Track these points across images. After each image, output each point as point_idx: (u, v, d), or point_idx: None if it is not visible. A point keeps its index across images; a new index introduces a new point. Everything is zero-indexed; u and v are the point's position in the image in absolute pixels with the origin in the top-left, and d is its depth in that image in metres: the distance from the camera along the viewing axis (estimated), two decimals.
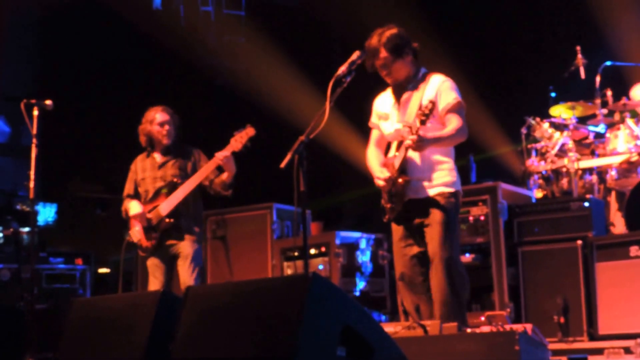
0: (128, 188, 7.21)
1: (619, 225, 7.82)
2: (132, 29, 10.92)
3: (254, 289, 4.27)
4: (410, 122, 5.40)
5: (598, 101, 8.52)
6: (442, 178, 5.61)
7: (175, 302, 4.56)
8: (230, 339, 4.07)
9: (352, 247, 8.31)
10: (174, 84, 11.64)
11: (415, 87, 5.68)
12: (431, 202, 5.58)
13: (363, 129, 10.39)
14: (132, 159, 7.31)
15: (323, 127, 5.20)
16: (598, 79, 8.51)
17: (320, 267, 8.19)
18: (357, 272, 8.29)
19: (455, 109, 5.56)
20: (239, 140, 6.74)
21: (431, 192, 5.59)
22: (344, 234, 8.35)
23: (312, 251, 8.30)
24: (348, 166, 10.62)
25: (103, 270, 10.84)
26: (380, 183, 5.66)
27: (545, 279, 7.31)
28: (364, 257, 8.33)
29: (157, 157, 7.14)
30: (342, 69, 5.38)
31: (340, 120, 10.09)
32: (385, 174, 5.61)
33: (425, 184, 5.59)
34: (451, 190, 5.62)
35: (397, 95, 5.77)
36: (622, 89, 8.66)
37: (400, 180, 5.54)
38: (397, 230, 5.76)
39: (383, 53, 5.62)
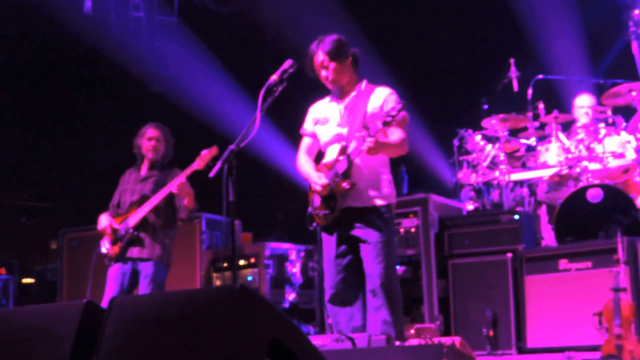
0: (113, 198, 7.36)
1: (549, 238, 7.86)
2: (61, 33, 10.71)
3: (181, 301, 4.15)
4: (370, 125, 5.33)
5: (530, 114, 8.56)
6: (382, 189, 5.55)
7: (101, 313, 4.42)
8: (156, 351, 3.95)
9: (281, 259, 8.24)
10: (105, 90, 11.46)
11: (358, 94, 5.62)
12: (370, 213, 5.50)
13: (296, 139, 10.36)
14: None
15: (256, 136, 5.12)
16: (530, 91, 8.55)
17: (250, 278, 8.10)
18: (287, 284, 8.23)
19: (400, 123, 5.51)
20: (203, 158, 6.78)
21: (371, 202, 5.52)
22: (273, 245, 8.28)
23: (242, 262, 8.22)
24: (281, 176, 10.54)
25: (27, 280, 10.59)
26: (318, 188, 5.56)
27: (475, 291, 7.33)
28: (293, 269, 8.26)
29: (143, 171, 7.28)
30: (274, 77, 5.30)
31: (272, 129, 10.02)
32: (324, 179, 5.52)
33: (366, 192, 5.51)
34: (389, 202, 5.57)
35: (338, 99, 5.70)
36: (554, 102, 8.73)
37: (345, 184, 5.44)
38: (328, 239, 5.66)
39: (321, 56, 5.58)
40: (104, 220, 7.17)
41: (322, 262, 5.86)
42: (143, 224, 6.98)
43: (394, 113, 5.21)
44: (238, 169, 5.03)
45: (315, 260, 8.39)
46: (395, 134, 5.47)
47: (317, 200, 5.62)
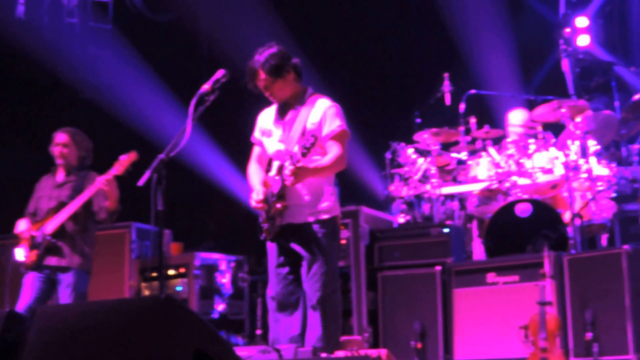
0: (29, 205, 7.22)
1: (478, 251, 7.93)
2: None
3: (106, 310, 4.09)
4: (293, 151, 5.32)
5: (462, 128, 8.64)
6: (321, 203, 5.53)
7: (24, 322, 4.34)
8: None
9: (211, 269, 8.20)
10: (36, 96, 11.28)
11: (300, 108, 5.59)
12: (309, 230, 5.49)
13: (228, 149, 10.30)
14: None
15: (189, 145, 5.08)
16: (462, 106, 8.63)
17: (179, 288, 8.05)
18: (216, 294, 8.18)
19: (337, 137, 5.50)
20: (122, 164, 6.71)
21: (309, 218, 5.50)
22: (203, 255, 8.23)
23: (171, 272, 8.15)
24: (213, 186, 10.49)
25: None
26: (253, 204, 5.55)
27: (404, 304, 7.36)
28: (223, 279, 8.21)
29: (60, 177, 7.16)
30: (206, 87, 5.27)
31: (205, 139, 9.96)
32: (260, 196, 5.50)
33: (303, 209, 5.50)
34: (330, 215, 5.55)
35: (282, 113, 5.66)
36: (485, 117, 8.82)
37: (278, 205, 5.44)
38: (271, 248, 5.65)
39: (262, 75, 5.51)
40: (22, 225, 7.02)
41: (252, 273, 5.85)
42: (60, 232, 6.85)
43: (308, 145, 5.21)
44: (170, 179, 4.99)
45: (246, 271, 8.36)
46: (331, 152, 5.47)
47: (262, 213, 5.60)
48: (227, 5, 10.85)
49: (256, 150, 5.84)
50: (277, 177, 5.47)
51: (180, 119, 5.30)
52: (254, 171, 5.76)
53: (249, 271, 8.36)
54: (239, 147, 10.13)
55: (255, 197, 5.52)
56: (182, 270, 8.15)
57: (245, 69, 5.58)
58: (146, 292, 8.15)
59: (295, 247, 5.50)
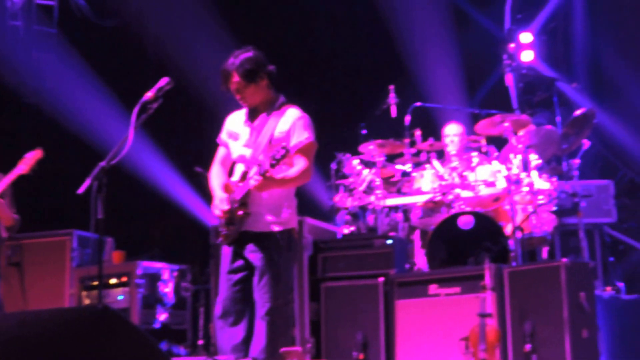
0: None
1: (421, 263, 7.98)
2: None
3: (41, 320, 4.05)
4: (260, 160, 5.30)
5: (407, 140, 8.68)
6: (280, 214, 5.51)
7: None
8: None
9: (154, 278, 8.13)
10: None
11: (269, 115, 5.57)
12: (265, 239, 5.47)
13: (174, 157, 10.23)
14: None
15: (133, 153, 5.04)
16: (408, 118, 8.68)
17: (120, 297, 7.97)
18: (159, 304, 8.12)
19: (305, 150, 5.48)
20: (27, 162, 6.59)
21: (267, 227, 5.49)
22: (146, 264, 8.16)
23: (113, 281, 8.06)
24: (157, 195, 10.41)
25: None
26: (217, 213, 5.52)
27: (346, 315, 7.37)
28: (166, 289, 8.15)
29: None
30: (149, 94, 5.24)
31: (150, 147, 9.89)
32: (225, 206, 5.47)
33: (264, 218, 5.48)
34: (287, 227, 5.54)
35: (251, 117, 5.62)
36: (430, 130, 8.88)
37: (240, 212, 5.42)
38: (226, 253, 5.61)
39: (235, 77, 5.48)
40: None
41: (195, 282, 5.80)
42: None
43: (278, 157, 5.19)
44: (113, 186, 4.95)
45: (189, 280, 8.30)
46: (297, 164, 5.45)
47: (221, 219, 5.57)
48: (175, 12, 10.80)
49: (221, 151, 5.80)
50: (240, 184, 5.45)
51: (125, 126, 5.26)
52: (217, 174, 5.72)
53: (192, 281, 8.30)
54: (184, 155, 10.13)
55: (221, 206, 5.50)
56: (123, 279, 8.07)
57: (220, 70, 5.54)
58: (87, 301, 8.05)
59: (250, 255, 5.48)
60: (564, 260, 6.78)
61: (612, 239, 10.64)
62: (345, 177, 8.69)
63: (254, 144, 5.53)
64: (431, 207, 8.20)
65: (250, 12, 11.52)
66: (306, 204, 9.81)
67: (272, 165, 5.19)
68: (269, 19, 11.62)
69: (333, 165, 8.76)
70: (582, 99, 10.83)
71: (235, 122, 5.72)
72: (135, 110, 5.15)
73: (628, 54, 11.22)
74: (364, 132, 9.07)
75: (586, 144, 8.54)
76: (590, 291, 6.98)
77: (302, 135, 5.48)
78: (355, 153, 8.82)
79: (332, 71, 11.03)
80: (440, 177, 8.10)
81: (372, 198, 8.35)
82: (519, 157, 7.99)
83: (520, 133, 8.41)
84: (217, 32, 10.28)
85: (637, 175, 11.24)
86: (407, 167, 8.71)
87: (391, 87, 8.94)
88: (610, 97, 11.43)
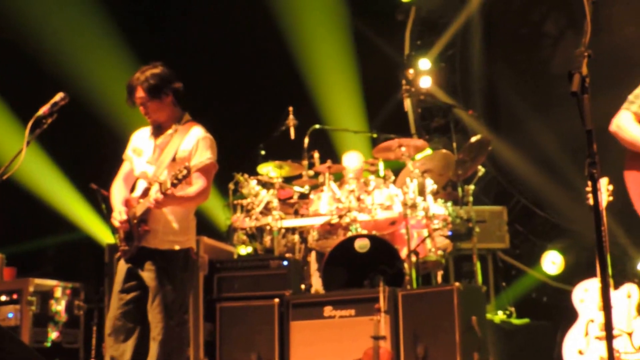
0: None
1: (316, 285, 8.01)
2: None
3: None
4: (161, 178, 5.26)
5: (305, 162, 8.73)
6: (178, 233, 5.50)
7: None
8: None
9: (46, 296, 7.97)
10: None
11: (173, 133, 5.55)
12: (161, 257, 5.44)
13: (69, 173, 10.06)
14: None
15: (26, 169, 4.96)
16: (307, 140, 8.73)
17: (10, 315, 7.78)
18: (51, 322, 7.96)
19: (205, 170, 5.48)
20: None
21: (165, 246, 5.47)
22: (38, 281, 7.99)
23: (3, 298, 7.87)
24: (51, 211, 10.22)
25: None
26: (116, 224, 5.46)
27: (242, 335, 7.35)
28: (58, 307, 8.00)
29: None
30: (44, 109, 5.17)
31: (43, 162, 9.71)
32: (124, 216, 5.43)
33: (162, 235, 5.46)
34: (184, 246, 5.53)
35: (156, 134, 5.62)
36: (328, 152, 8.95)
37: (139, 228, 5.40)
38: (122, 269, 5.56)
39: (140, 92, 5.47)
40: None
41: (88, 301, 5.73)
42: None
43: (180, 177, 5.18)
44: (5, 202, 4.86)
45: (82, 299, 8.18)
46: (197, 184, 5.45)
47: (121, 234, 5.51)
48: (72, 27, 10.65)
49: (125, 167, 5.77)
50: (141, 200, 5.41)
51: (19, 141, 5.17)
52: (118, 189, 5.69)
53: (85, 299, 8.18)
54: (79, 171, 9.97)
55: (119, 217, 5.46)
56: (14, 296, 7.88)
57: (126, 85, 5.53)
58: None
59: (145, 275, 5.44)
60: (457, 284, 6.91)
61: (504, 264, 10.90)
62: (243, 197, 8.67)
63: (157, 161, 5.53)
64: (328, 230, 8.23)
65: (151, 28, 11.46)
66: (203, 223, 9.79)
67: (174, 185, 5.19)
68: (169, 37, 11.58)
69: (231, 185, 8.74)
70: (477, 126, 11.07)
71: (140, 139, 5.73)
72: (29, 125, 5.07)
73: (521, 83, 11.55)
74: (263, 153, 9.09)
75: (481, 170, 8.73)
76: (482, 315, 7.14)
77: (204, 156, 5.49)
78: (254, 174, 8.82)
79: (232, 91, 11.03)
80: (338, 200, 8.15)
81: (270, 219, 8.36)
82: (416, 181, 8.10)
83: (417, 158, 8.56)
84: (114, 51, 10.20)
85: (530, 202, 11.54)
86: (305, 189, 8.75)
87: (290, 109, 8.99)
88: (505, 124, 11.74)
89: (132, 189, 5.70)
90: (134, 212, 5.43)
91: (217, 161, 5.56)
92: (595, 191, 3.54)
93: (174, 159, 5.43)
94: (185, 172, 5.19)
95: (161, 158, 5.51)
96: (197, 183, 5.45)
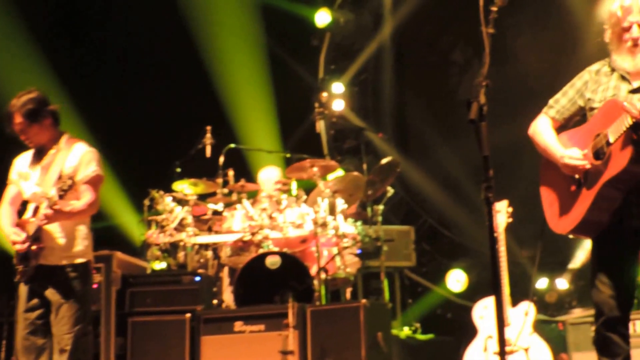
0: None
1: (228, 300, 8.11)
2: None
3: None
4: (49, 195, 5.36)
5: (220, 180, 8.82)
6: (74, 247, 5.60)
7: None
8: None
9: None
10: None
11: (56, 152, 5.65)
12: (60, 273, 5.54)
13: None
14: None
15: None
16: (222, 159, 8.83)
17: None
18: None
19: (92, 182, 5.60)
20: None
21: (62, 261, 5.57)
22: None
23: None
24: None
25: None
26: (16, 247, 5.53)
27: (153, 349, 7.38)
28: None
29: None
30: None
31: None
32: (22, 235, 5.50)
33: (58, 252, 5.56)
34: (82, 260, 5.63)
35: (38, 157, 5.72)
36: (243, 171, 9.07)
37: (33, 247, 5.47)
38: (23, 290, 5.62)
39: (18, 118, 5.57)
40: None
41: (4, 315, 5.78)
42: None
43: (65, 188, 5.31)
44: None
45: None
46: (85, 196, 5.56)
47: (16, 255, 5.58)
48: None
49: (10, 191, 5.84)
50: (32, 219, 5.51)
51: None
52: (6, 213, 5.76)
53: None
54: None
55: (17, 238, 5.53)
56: None
57: (3, 114, 5.61)
58: None
59: (46, 291, 5.53)
60: (364, 300, 7.08)
61: (411, 282, 11.18)
62: (158, 213, 8.70)
63: (44, 181, 5.63)
64: (240, 246, 8.28)
65: (70, 50, 11.44)
66: (117, 238, 9.83)
67: (60, 197, 5.32)
68: (88, 51, 11.58)
69: (146, 202, 8.79)
70: (387, 149, 11.35)
71: (24, 163, 5.81)
72: None
73: (430, 108, 11.86)
74: (179, 170, 9.17)
75: (390, 191, 8.96)
76: (388, 331, 7.34)
77: (89, 168, 5.63)
78: (169, 190, 8.86)
79: (149, 109, 11.06)
80: (250, 218, 8.26)
81: (184, 235, 8.42)
82: (327, 200, 8.28)
83: (329, 178, 8.75)
84: (34, 67, 10.19)
85: (436, 222, 11.85)
86: (219, 206, 8.84)
87: (207, 128, 9.07)
88: (414, 147, 12.05)
89: (22, 212, 5.78)
90: (27, 232, 5.53)
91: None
92: (490, 214, 3.69)
93: (60, 177, 5.51)
94: (70, 182, 5.33)
95: (47, 177, 5.62)
96: (85, 196, 5.58)
